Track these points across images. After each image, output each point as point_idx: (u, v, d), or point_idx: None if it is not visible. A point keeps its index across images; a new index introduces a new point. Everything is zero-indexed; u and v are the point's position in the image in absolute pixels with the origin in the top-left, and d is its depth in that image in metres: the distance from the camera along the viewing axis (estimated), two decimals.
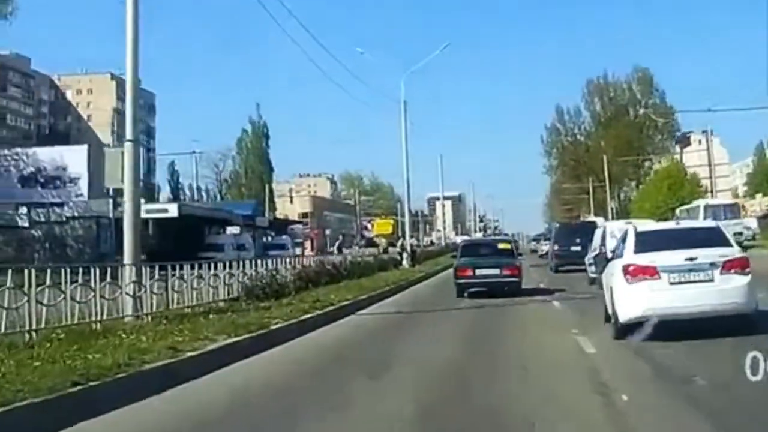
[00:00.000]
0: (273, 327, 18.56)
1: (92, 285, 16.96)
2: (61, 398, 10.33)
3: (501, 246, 35.83)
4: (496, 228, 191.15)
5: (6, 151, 70.91)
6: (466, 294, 31.40)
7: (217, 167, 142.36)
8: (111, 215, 57.78)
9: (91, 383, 11.16)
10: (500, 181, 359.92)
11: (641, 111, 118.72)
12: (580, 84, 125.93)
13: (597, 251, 34.40)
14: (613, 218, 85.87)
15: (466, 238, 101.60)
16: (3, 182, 62.32)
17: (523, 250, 71.87)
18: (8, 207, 64.05)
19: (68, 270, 16.72)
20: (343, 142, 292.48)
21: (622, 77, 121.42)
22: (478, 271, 31.70)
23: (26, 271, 14.86)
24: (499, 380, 12.89)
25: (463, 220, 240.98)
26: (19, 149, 72.69)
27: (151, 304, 19.46)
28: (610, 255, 21.25)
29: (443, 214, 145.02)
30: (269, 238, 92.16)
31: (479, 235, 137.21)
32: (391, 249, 69.77)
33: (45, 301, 15.08)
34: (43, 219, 61.56)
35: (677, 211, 62.77)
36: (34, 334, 14.47)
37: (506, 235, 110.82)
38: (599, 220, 63.16)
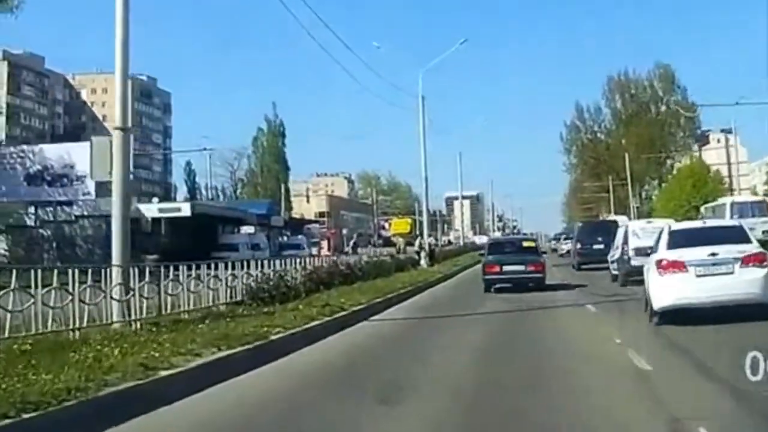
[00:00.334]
0: (273, 337, 16.17)
1: (70, 288, 14.90)
2: None
3: (525, 244, 37.83)
4: (514, 227, 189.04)
5: (12, 149, 68.67)
6: (493, 289, 33.11)
7: (231, 166, 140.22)
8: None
9: (25, 416, 8.80)
10: (518, 181, 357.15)
11: (663, 108, 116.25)
12: (600, 81, 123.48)
13: (620, 249, 35.97)
14: (635, 217, 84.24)
15: (492, 236, 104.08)
16: (9, 180, 60.01)
17: (543, 249, 69.03)
18: (18, 206, 62.36)
19: (39, 272, 14.67)
20: (360, 142, 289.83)
21: (643, 74, 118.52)
22: (505, 268, 33.60)
23: None
24: (542, 414, 10.31)
25: (481, 220, 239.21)
26: (25, 146, 70.49)
27: (141, 309, 17.29)
28: (649, 251, 22.87)
29: (462, 213, 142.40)
30: (285, 238, 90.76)
31: (498, 234, 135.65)
32: (408, 249, 67.98)
33: (9, 306, 13.22)
34: (51, 218, 60.17)
35: (702, 209, 61.01)
36: None
37: (525, 234, 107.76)
38: (622, 219, 62.58)
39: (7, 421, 8.53)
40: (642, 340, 16.08)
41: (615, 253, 37.78)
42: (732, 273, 18.18)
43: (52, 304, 14.34)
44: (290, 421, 10.53)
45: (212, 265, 21.78)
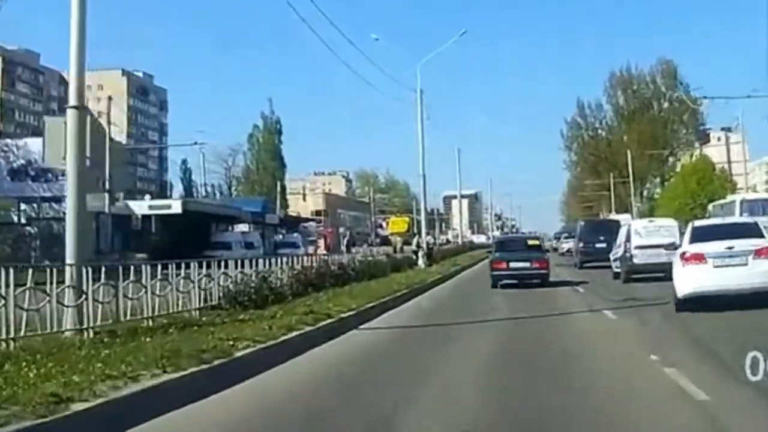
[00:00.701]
0: (238, 354, 13.29)
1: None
2: None
3: (531, 242, 38.56)
4: (513, 227, 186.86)
5: None
6: (500, 285, 34.06)
7: (226, 163, 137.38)
8: (107, 210, 55.26)
9: None
10: (517, 179, 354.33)
11: (666, 104, 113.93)
12: (601, 79, 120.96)
13: (622, 248, 36.54)
14: (637, 216, 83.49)
15: (490, 235, 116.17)
16: None
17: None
18: (6, 203, 60.44)
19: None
20: (358, 140, 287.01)
21: (645, 70, 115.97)
22: (512, 264, 34.85)
23: None
24: None
25: (479, 219, 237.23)
26: (9, 140, 67.99)
27: (95, 316, 14.76)
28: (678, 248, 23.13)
29: (460, 212, 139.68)
30: (280, 237, 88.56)
31: (497, 233, 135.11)
32: (406, 248, 65.62)
33: None
34: (37, 215, 59.08)
35: (710, 206, 57.54)
36: None
37: (525, 233, 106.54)
38: (625, 218, 63.38)
39: None
40: (682, 357, 13.22)
41: (617, 252, 38.35)
42: (746, 264, 20.22)
43: None
44: None
45: (193, 265, 19.43)
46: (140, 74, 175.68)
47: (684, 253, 21.15)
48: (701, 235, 21.71)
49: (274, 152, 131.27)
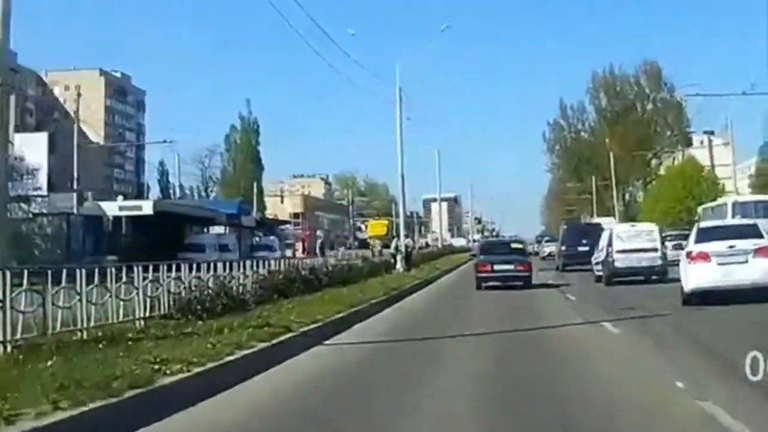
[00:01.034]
0: (162, 381, 10.51)
1: None
2: None
3: (514, 246, 40.53)
4: (493, 230, 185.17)
5: None
6: (484, 286, 34.92)
7: (202, 164, 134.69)
8: (76, 211, 54.04)
9: None
10: (496, 183, 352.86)
11: (650, 106, 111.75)
12: (585, 78, 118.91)
13: (604, 252, 37.21)
14: (621, 219, 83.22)
15: (470, 238, 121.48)
16: None
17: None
18: None
19: None
20: (339, 142, 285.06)
21: (629, 70, 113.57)
22: (496, 267, 35.63)
23: None
24: None
25: (459, 222, 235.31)
26: None
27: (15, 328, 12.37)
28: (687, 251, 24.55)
29: (440, 215, 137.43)
30: (257, 239, 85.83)
31: (477, 236, 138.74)
32: (384, 251, 63.35)
33: None
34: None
35: (700, 209, 56.91)
36: None
37: (506, 237, 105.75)
38: (609, 221, 65.18)
39: None
40: (714, 385, 10.73)
41: (599, 255, 38.93)
42: (746, 262, 22.19)
43: None
44: None
45: (137, 269, 17.15)
46: (118, 74, 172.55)
47: (690, 252, 23.32)
48: (705, 235, 23.81)
49: (252, 153, 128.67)
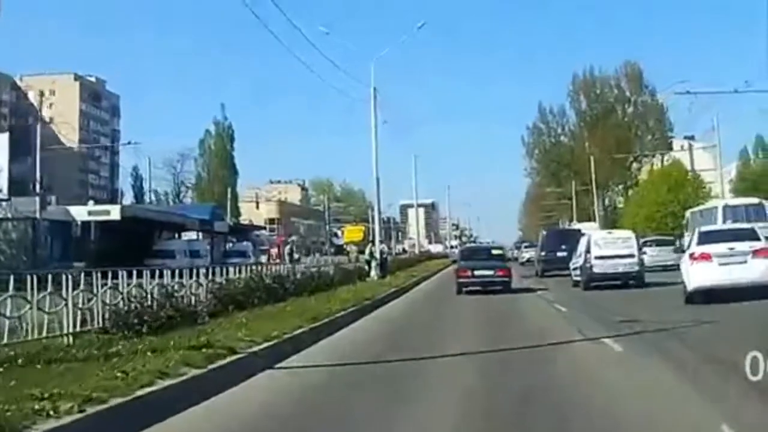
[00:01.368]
0: (46, 426, 7.83)
1: None
2: None
3: (494, 252, 40.78)
4: (471, 236, 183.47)
5: None
6: (464, 290, 35.39)
7: (174, 169, 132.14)
8: (39, 215, 50.99)
9: None
10: (474, 189, 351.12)
11: (630, 109, 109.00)
12: (565, 81, 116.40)
13: (582, 257, 37.42)
14: (602, 224, 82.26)
15: (448, 244, 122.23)
16: None
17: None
18: None
19: None
20: (316, 148, 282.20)
21: (610, 72, 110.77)
22: (476, 272, 35.94)
23: None
24: None
25: (436, 229, 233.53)
26: None
27: None
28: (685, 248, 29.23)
29: (417, 220, 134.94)
30: (230, 245, 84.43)
31: (455, 242, 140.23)
32: (361, 257, 60.48)
33: None
34: None
35: (687, 213, 55.97)
36: None
37: (482, 242, 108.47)
38: (591, 226, 64.74)
39: None
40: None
41: (577, 261, 39.13)
42: (745, 263, 23.64)
43: None
44: None
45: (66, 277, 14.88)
46: (93, 79, 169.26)
47: (693, 254, 24.74)
48: (707, 238, 25.35)
49: (226, 159, 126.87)
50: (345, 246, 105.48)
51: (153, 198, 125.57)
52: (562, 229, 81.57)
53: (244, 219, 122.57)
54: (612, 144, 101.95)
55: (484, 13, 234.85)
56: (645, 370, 12.81)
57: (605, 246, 36.44)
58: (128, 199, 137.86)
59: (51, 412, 8.20)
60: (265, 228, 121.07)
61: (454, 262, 53.17)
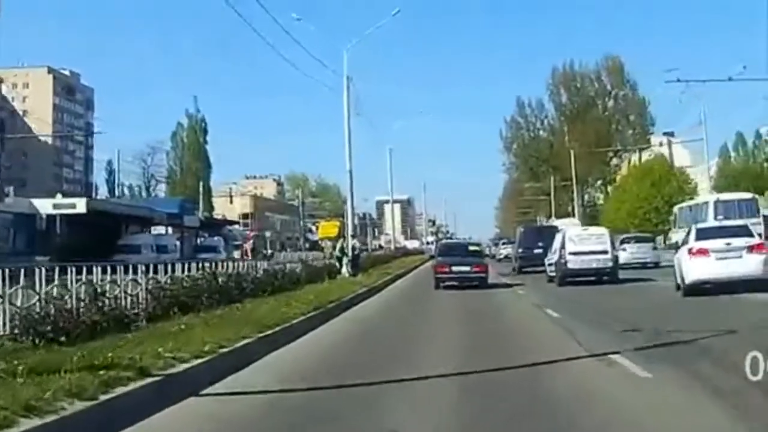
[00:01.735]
0: None
1: None
2: None
3: (471, 248, 41.84)
4: (448, 233, 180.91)
5: None
6: (442, 285, 35.82)
7: (145, 162, 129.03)
8: None
9: None
10: (450, 184, 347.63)
11: (611, 103, 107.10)
12: (544, 75, 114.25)
13: (557, 254, 37.82)
14: (583, 220, 79.74)
15: (425, 240, 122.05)
16: None
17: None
18: None
19: None
20: (292, 143, 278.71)
21: (590, 65, 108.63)
22: (453, 268, 36.69)
23: None
24: None
25: (412, 225, 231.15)
26: None
27: None
28: (679, 244, 29.75)
29: (392, 215, 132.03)
30: (200, 240, 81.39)
31: (431, 239, 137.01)
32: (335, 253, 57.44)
33: None
34: None
35: (675, 209, 56.26)
36: None
37: (458, 239, 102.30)
38: (568, 222, 65.25)
39: None
40: None
41: (553, 257, 39.51)
42: (741, 257, 25.19)
43: None
44: None
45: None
46: (67, 72, 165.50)
47: (691, 249, 25.92)
48: (703, 234, 26.87)
49: (199, 151, 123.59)
50: (320, 242, 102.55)
51: (126, 192, 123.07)
52: (538, 226, 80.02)
53: (217, 214, 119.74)
54: (592, 138, 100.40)
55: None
56: (690, 407, 9.52)
57: (580, 242, 36.93)
58: (103, 193, 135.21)
59: None
60: (238, 223, 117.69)
61: (432, 257, 53.96)
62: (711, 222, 38.43)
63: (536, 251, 49.12)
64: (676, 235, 48.46)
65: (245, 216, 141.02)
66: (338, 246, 44.97)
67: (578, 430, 8.90)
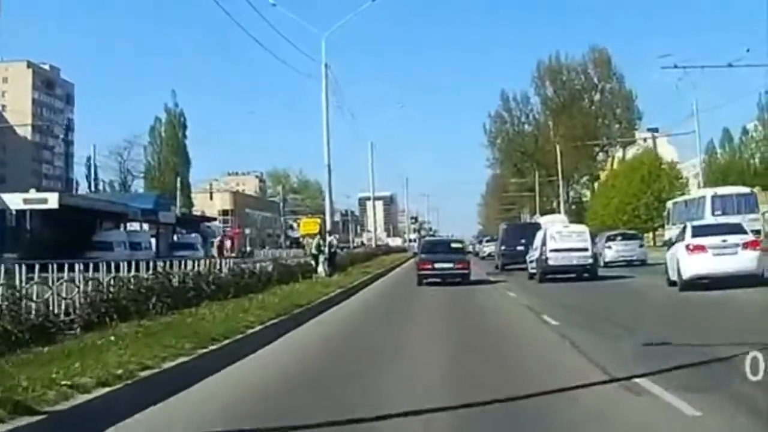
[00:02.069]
0: None
1: None
2: None
3: (454, 245, 41.69)
4: (430, 230, 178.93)
5: None
6: (425, 282, 36.05)
7: (121, 156, 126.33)
8: None
9: None
10: (433, 181, 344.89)
11: (597, 96, 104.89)
12: (529, 67, 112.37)
13: (538, 251, 38.21)
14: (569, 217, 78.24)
15: (408, 237, 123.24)
16: None
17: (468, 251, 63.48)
18: None
19: None
20: (274, 139, 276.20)
21: (577, 58, 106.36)
22: (436, 265, 36.93)
23: None
24: None
25: (395, 222, 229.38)
26: None
27: None
28: (674, 240, 31.09)
29: (374, 211, 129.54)
30: (177, 237, 78.83)
31: (414, 236, 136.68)
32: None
33: None
34: None
35: (669, 204, 53.83)
36: None
37: (441, 237, 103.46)
38: (553, 218, 63.04)
39: None
40: None
41: (534, 254, 39.92)
42: (736, 254, 26.10)
43: None
44: None
45: None
46: (47, 67, 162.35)
47: (689, 245, 26.60)
48: (699, 232, 27.65)
49: (178, 147, 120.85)
50: (301, 239, 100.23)
51: (108, 188, 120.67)
52: (521, 223, 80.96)
53: (197, 210, 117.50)
54: (578, 133, 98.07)
55: None
56: None
57: (560, 239, 37.25)
58: (83, 189, 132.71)
59: None
60: (216, 219, 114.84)
61: (415, 255, 55.02)
62: (708, 217, 39.73)
63: (519, 248, 49.08)
64: (669, 232, 47.66)
65: (225, 212, 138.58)
66: (314, 243, 41.76)
67: None
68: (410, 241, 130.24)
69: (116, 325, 14.69)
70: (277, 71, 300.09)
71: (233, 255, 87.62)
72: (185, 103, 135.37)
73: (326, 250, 40.10)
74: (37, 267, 14.22)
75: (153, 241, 68.77)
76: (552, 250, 36.85)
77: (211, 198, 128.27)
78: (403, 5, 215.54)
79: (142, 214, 66.54)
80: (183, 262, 22.94)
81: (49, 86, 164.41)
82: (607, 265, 46.61)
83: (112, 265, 17.29)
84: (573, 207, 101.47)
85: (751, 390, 9.00)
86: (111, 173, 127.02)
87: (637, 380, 10.43)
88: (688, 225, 29.49)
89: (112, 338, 12.51)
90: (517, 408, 9.55)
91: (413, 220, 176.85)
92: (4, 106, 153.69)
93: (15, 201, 50.36)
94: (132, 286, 17.25)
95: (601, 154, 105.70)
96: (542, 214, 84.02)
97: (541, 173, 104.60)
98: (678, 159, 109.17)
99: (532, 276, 39.47)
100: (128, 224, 67.16)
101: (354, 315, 24.68)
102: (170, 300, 18.26)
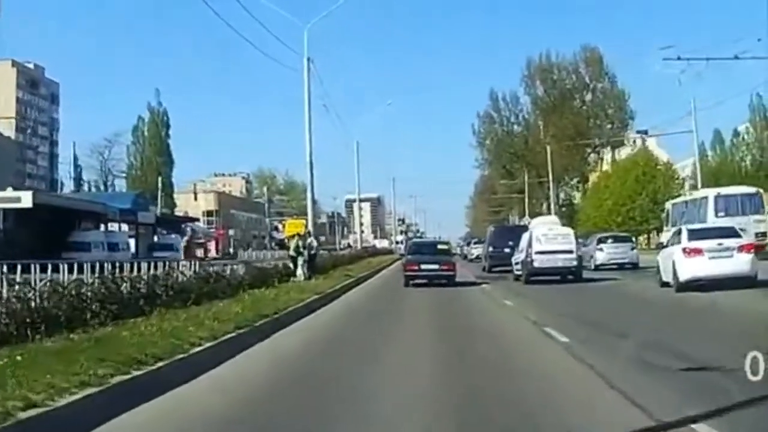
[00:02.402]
0: None
1: None
2: None
3: (440, 247, 42.45)
4: (417, 231, 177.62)
5: None
6: (411, 283, 36.38)
7: (102, 155, 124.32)
8: None
9: None
10: (421, 182, 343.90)
11: (588, 96, 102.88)
12: (519, 66, 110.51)
13: (524, 253, 38.43)
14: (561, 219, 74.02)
15: (396, 239, 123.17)
16: None
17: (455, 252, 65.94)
18: None
19: None
20: (261, 140, 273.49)
21: (568, 56, 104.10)
22: (423, 266, 37.52)
23: None
24: None
25: (382, 223, 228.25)
26: None
27: None
28: (666, 244, 31.86)
29: (360, 215, 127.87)
30: (157, 238, 77.23)
31: (401, 237, 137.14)
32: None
33: None
34: None
35: (668, 204, 51.85)
36: None
37: (427, 238, 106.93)
38: (545, 220, 55.51)
39: None
40: None
41: (519, 256, 40.27)
42: (732, 257, 26.69)
43: None
44: None
45: None
46: (31, 66, 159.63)
47: (685, 248, 27.48)
48: (695, 235, 28.40)
49: (161, 146, 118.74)
50: (286, 240, 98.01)
51: (93, 188, 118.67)
52: (509, 226, 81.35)
53: (180, 211, 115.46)
54: (569, 133, 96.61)
55: None
56: None
57: (546, 242, 37.39)
58: (67, 189, 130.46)
59: None
60: (198, 220, 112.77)
61: (402, 257, 55.58)
62: (711, 218, 39.57)
63: (506, 251, 48.81)
64: (669, 233, 45.39)
65: (209, 213, 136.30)
66: (293, 244, 39.03)
67: None
68: (397, 242, 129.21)
69: (40, 339, 12.39)
70: (267, 71, 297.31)
71: (217, 257, 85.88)
72: (175, 104, 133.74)
73: (305, 252, 37.53)
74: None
75: (132, 242, 67.29)
76: (537, 252, 37.13)
77: (195, 198, 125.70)
78: (393, 3, 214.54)
79: (120, 214, 65.20)
80: (155, 264, 21.78)
81: (34, 85, 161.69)
82: (598, 267, 46.87)
83: (86, 266, 17.32)
84: (563, 209, 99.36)
85: None
86: (92, 172, 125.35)
87: (693, 426, 7.65)
88: (684, 228, 30.34)
89: (19, 357, 10.06)
90: None
91: (400, 222, 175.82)
92: None
93: None
94: (72, 292, 14.85)
95: (592, 155, 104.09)
96: (531, 216, 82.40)
97: (530, 174, 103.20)
98: (672, 161, 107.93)
99: (517, 277, 40.04)
100: (108, 224, 65.66)
101: (342, 315, 23.39)
102: (116, 308, 15.86)
